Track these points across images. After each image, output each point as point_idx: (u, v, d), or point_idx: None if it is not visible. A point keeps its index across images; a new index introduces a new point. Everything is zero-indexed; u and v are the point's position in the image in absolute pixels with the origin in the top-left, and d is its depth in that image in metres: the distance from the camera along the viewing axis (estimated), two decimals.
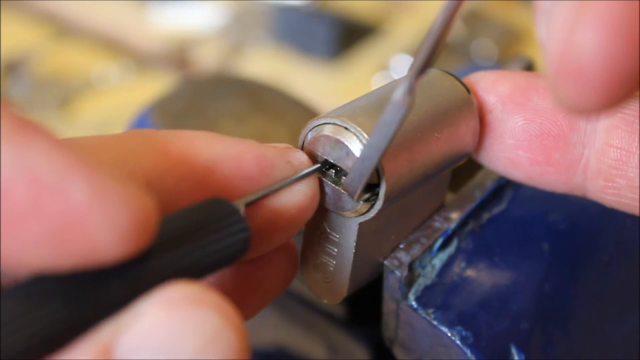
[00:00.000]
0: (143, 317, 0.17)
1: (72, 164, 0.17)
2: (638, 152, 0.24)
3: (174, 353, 0.17)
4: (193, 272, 0.19)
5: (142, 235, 0.17)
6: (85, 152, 0.18)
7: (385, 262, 0.26)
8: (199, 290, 0.18)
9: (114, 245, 0.17)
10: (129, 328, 0.17)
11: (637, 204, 0.24)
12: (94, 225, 0.17)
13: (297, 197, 0.23)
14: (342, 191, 0.24)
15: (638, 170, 0.24)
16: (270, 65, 0.84)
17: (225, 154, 0.22)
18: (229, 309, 0.18)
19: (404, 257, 0.26)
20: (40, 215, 0.16)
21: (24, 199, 0.16)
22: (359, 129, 0.23)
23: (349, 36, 0.84)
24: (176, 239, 0.19)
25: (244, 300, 0.24)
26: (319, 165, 0.24)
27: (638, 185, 0.24)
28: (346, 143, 0.23)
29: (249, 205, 0.22)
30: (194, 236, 0.19)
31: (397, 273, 0.26)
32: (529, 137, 0.25)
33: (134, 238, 0.17)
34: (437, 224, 0.27)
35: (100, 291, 0.18)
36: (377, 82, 0.80)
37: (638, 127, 0.24)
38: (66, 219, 0.16)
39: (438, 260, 0.27)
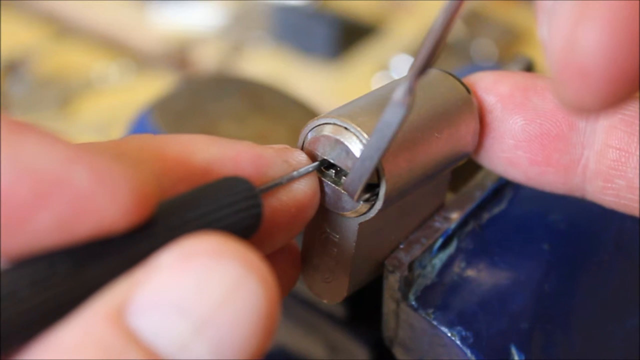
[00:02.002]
0: (157, 272, 0.16)
1: (70, 154, 0.17)
2: (637, 153, 0.24)
3: (192, 308, 0.16)
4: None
5: (143, 206, 0.18)
6: (77, 142, 0.18)
7: (385, 262, 0.26)
8: (218, 240, 0.17)
9: (120, 219, 0.17)
10: (142, 284, 0.16)
11: (636, 204, 0.24)
12: (100, 207, 0.17)
13: (298, 196, 0.23)
14: (342, 191, 0.24)
15: (637, 171, 0.24)
16: (270, 65, 0.84)
17: (222, 154, 0.22)
18: (253, 258, 0.17)
19: (404, 257, 0.26)
20: (47, 207, 0.17)
21: (30, 196, 0.16)
22: (359, 129, 0.23)
23: (349, 36, 0.84)
24: (190, 205, 0.19)
25: None
26: (318, 162, 0.24)
27: (637, 186, 0.24)
28: (346, 143, 0.23)
29: (263, 192, 0.22)
30: (207, 203, 0.20)
31: (397, 273, 0.26)
32: (528, 137, 0.25)
33: (136, 209, 0.17)
34: (437, 224, 0.27)
35: (109, 251, 0.18)
36: (377, 82, 0.80)
37: (637, 128, 0.24)
38: (73, 205, 0.17)
39: (438, 260, 0.27)
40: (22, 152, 0.17)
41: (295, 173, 0.23)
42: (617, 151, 0.24)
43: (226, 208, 0.20)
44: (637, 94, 0.19)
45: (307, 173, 0.23)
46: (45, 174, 0.17)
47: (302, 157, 0.24)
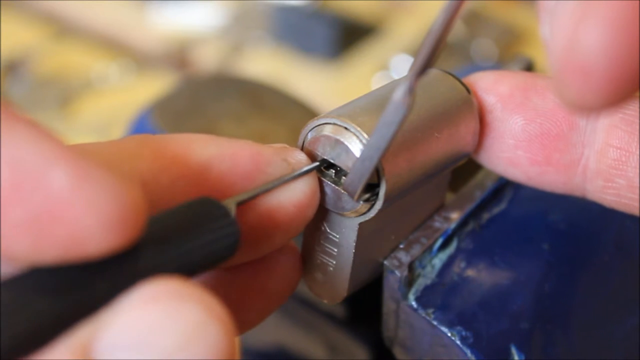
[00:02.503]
0: (122, 313, 0.17)
1: (54, 151, 0.16)
2: (637, 152, 0.24)
3: (153, 349, 0.16)
4: (179, 271, 0.19)
5: (129, 227, 0.17)
6: (66, 143, 0.17)
7: (385, 262, 0.26)
8: (181, 284, 0.17)
9: (99, 236, 0.17)
10: (107, 325, 0.17)
11: (637, 204, 0.24)
12: (76, 213, 0.16)
13: (297, 195, 0.23)
14: (342, 191, 0.24)
15: (637, 171, 0.24)
16: (270, 65, 0.84)
17: (220, 153, 0.22)
18: (213, 303, 0.17)
19: (404, 257, 0.26)
20: (21, 201, 0.16)
21: (6, 184, 0.16)
22: (359, 129, 0.23)
23: (349, 36, 0.84)
24: (162, 237, 0.19)
25: (247, 305, 0.24)
26: (318, 163, 0.24)
27: (637, 185, 0.24)
28: (346, 143, 0.23)
29: (240, 204, 0.21)
30: (180, 236, 0.19)
31: (397, 273, 0.26)
32: (528, 137, 0.25)
33: (121, 229, 0.17)
34: (437, 224, 0.27)
35: (85, 287, 0.17)
36: (377, 82, 0.80)
37: (638, 127, 0.24)
38: (47, 206, 0.16)
39: (438, 260, 0.27)
40: (8, 139, 0.16)
41: (293, 174, 0.23)
42: (618, 150, 0.24)
43: (201, 243, 0.19)
44: (638, 93, 0.19)
45: (306, 173, 0.23)
46: (25, 166, 0.16)
47: (301, 156, 0.24)
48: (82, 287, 0.17)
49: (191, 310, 0.17)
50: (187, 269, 0.19)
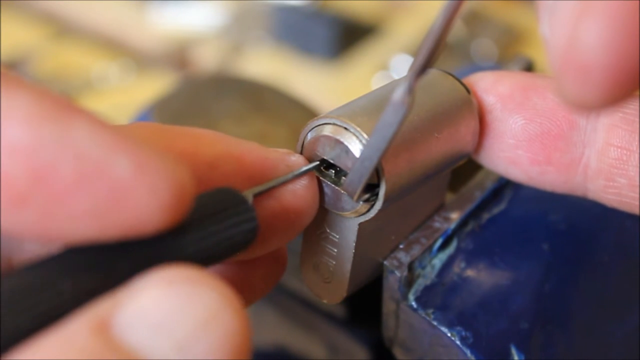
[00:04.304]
0: (142, 293, 0.17)
1: (115, 141, 0.17)
2: (638, 151, 0.24)
3: (172, 329, 0.17)
4: (197, 258, 0.19)
5: (181, 207, 0.18)
6: (125, 130, 0.18)
7: (385, 262, 0.26)
8: (198, 272, 0.17)
9: (156, 217, 0.17)
10: (128, 303, 0.17)
11: (638, 203, 0.24)
12: (138, 199, 0.17)
13: (296, 200, 0.23)
14: (342, 191, 0.24)
15: (638, 169, 0.24)
16: (270, 65, 0.84)
17: (228, 153, 0.22)
18: (229, 291, 0.17)
19: (404, 257, 0.26)
20: (86, 191, 0.17)
21: (70, 175, 0.17)
22: (358, 129, 0.23)
23: (349, 36, 0.84)
24: (185, 224, 0.19)
25: None
26: (317, 162, 0.24)
27: (638, 184, 0.24)
28: (346, 143, 0.23)
29: (257, 195, 0.22)
30: (202, 222, 0.20)
31: (397, 273, 0.26)
32: (529, 136, 0.25)
33: (174, 210, 0.18)
34: (437, 224, 0.27)
35: (111, 267, 0.18)
36: (377, 82, 0.80)
37: (638, 126, 0.24)
38: (112, 194, 0.17)
39: (438, 261, 0.27)
40: (70, 132, 0.17)
41: (296, 172, 0.23)
42: (618, 149, 0.24)
43: (221, 231, 0.20)
44: (638, 92, 0.19)
45: (304, 174, 0.23)
46: (89, 157, 0.17)
47: (304, 162, 0.24)
48: (107, 267, 0.18)
49: (208, 296, 0.17)
50: (206, 255, 0.20)
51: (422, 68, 0.20)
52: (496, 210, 0.28)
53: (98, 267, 0.18)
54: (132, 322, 0.17)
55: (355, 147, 0.23)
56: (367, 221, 0.24)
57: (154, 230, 0.18)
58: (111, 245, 0.18)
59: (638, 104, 0.24)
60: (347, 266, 0.25)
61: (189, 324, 0.17)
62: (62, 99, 0.17)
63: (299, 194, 0.23)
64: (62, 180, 0.17)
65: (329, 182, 0.24)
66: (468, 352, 0.25)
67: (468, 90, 0.26)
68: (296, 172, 0.23)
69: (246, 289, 0.25)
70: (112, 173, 0.17)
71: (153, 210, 0.17)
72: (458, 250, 0.27)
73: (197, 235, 0.19)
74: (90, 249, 0.18)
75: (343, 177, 0.24)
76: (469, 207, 0.28)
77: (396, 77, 0.77)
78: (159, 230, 0.18)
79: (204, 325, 0.17)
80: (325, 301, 0.27)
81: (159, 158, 0.18)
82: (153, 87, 0.78)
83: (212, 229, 0.20)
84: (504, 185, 0.29)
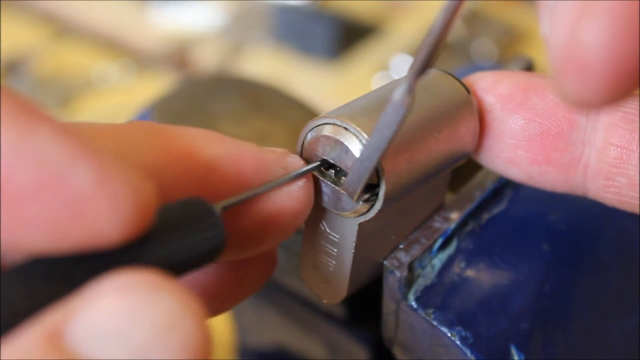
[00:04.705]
0: (96, 299, 0.16)
1: (77, 150, 0.17)
2: (638, 150, 0.24)
3: (127, 337, 0.16)
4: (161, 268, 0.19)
5: (143, 219, 0.17)
6: (88, 139, 0.17)
7: (385, 262, 0.26)
8: (156, 276, 0.17)
9: (117, 229, 0.17)
10: (79, 312, 0.16)
11: (638, 202, 0.24)
12: (99, 210, 0.17)
13: (292, 202, 0.23)
14: (342, 191, 0.24)
15: (638, 169, 0.24)
16: (270, 65, 0.84)
17: (226, 154, 0.22)
18: (190, 298, 0.17)
19: (404, 257, 0.26)
20: (43, 200, 0.16)
21: (28, 183, 0.16)
22: (358, 129, 0.23)
23: (349, 36, 0.84)
24: (145, 236, 0.19)
25: (222, 295, 0.24)
26: (318, 163, 0.24)
27: (638, 183, 0.24)
28: (346, 143, 0.23)
29: (227, 209, 0.21)
30: (166, 233, 0.19)
31: (397, 273, 0.26)
32: (528, 136, 0.25)
33: (136, 222, 0.17)
34: (437, 224, 0.27)
35: (69, 277, 0.17)
36: (377, 82, 0.80)
37: (638, 125, 0.24)
38: (70, 204, 0.16)
39: (438, 261, 0.27)
40: (31, 138, 0.16)
41: (287, 177, 0.23)
42: (618, 149, 0.24)
43: (190, 237, 0.19)
44: (638, 91, 0.19)
45: (301, 175, 0.23)
46: (49, 165, 0.16)
47: (300, 164, 0.24)
48: (64, 278, 0.17)
49: (166, 302, 0.16)
50: (169, 266, 0.19)
51: (422, 68, 0.20)
52: (496, 210, 0.28)
53: (54, 278, 0.17)
54: (84, 330, 0.16)
55: (355, 147, 0.23)
56: (367, 221, 0.24)
57: (115, 242, 0.17)
58: (72, 257, 0.17)
59: (638, 102, 0.24)
60: (347, 266, 0.25)
61: (144, 331, 0.16)
62: (25, 103, 0.17)
63: (294, 195, 0.23)
64: (20, 186, 0.16)
65: (328, 182, 0.24)
66: (468, 352, 0.25)
67: (468, 90, 0.26)
68: (293, 175, 0.23)
69: (237, 288, 0.25)
70: (72, 182, 0.16)
71: (114, 221, 0.17)
72: (458, 250, 0.27)
73: (160, 247, 0.19)
74: (50, 260, 0.17)
75: (343, 177, 0.24)
76: (469, 207, 0.28)
77: (396, 77, 0.77)
78: (121, 242, 0.17)
79: (161, 332, 0.16)
80: (325, 301, 0.27)
81: (121, 169, 0.17)
82: (153, 87, 0.78)
83: (177, 241, 0.19)
84: (504, 185, 0.29)
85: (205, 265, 0.21)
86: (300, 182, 0.23)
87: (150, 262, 0.18)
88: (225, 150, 0.22)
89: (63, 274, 0.17)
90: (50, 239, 0.17)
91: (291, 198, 0.23)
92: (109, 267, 0.18)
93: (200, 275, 0.24)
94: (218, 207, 0.21)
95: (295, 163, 0.24)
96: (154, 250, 0.19)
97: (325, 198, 0.24)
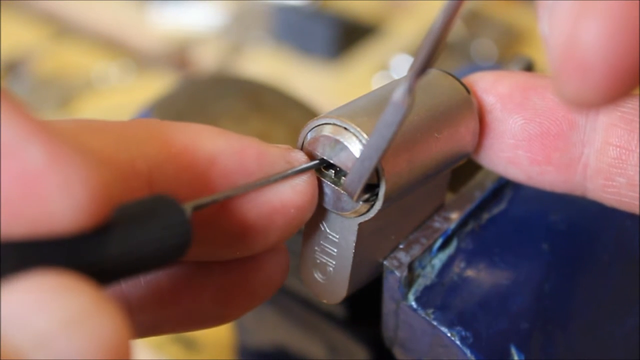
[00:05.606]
0: (9, 291, 0.16)
1: (32, 129, 0.16)
2: (637, 150, 0.24)
3: (26, 328, 0.16)
4: (115, 263, 0.19)
5: (98, 209, 0.17)
6: (48, 124, 0.17)
7: (385, 262, 0.26)
8: (73, 280, 0.17)
9: (69, 216, 0.17)
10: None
11: (637, 202, 0.24)
12: (49, 191, 0.16)
13: (296, 196, 0.23)
14: (342, 191, 0.24)
15: (638, 169, 0.24)
16: (270, 65, 0.84)
17: (228, 148, 0.22)
18: (103, 299, 0.17)
19: (404, 257, 0.26)
20: None
21: None
22: (358, 129, 0.23)
23: (349, 36, 0.84)
24: (103, 228, 0.18)
25: (231, 300, 0.24)
26: (318, 161, 0.24)
27: (638, 183, 0.24)
28: (346, 143, 0.23)
29: (197, 209, 0.21)
30: (125, 229, 0.19)
31: (397, 273, 0.26)
32: (528, 136, 0.25)
33: (90, 210, 0.17)
34: (437, 224, 0.27)
35: (12, 262, 0.17)
36: (377, 82, 0.80)
37: (637, 125, 0.24)
38: (20, 182, 0.16)
39: (438, 261, 0.27)
40: None
41: (288, 171, 0.23)
42: (618, 149, 0.24)
43: (153, 232, 0.19)
44: (637, 91, 0.19)
45: (301, 171, 0.23)
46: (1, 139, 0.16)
47: (304, 159, 0.24)
48: (8, 264, 0.17)
49: (74, 299, 0.16)
50: (127, 260, 0.19)
51: (422, 68, 0.20)
52: (496, 210, 0.28)
53: (4, 261, 0.17)
54: None
55: (355, 147, 0.23)
56: (367, 221, 0.24)
57: (69, 230, 0.17)
58: (26, 242, 0.17)
59: (637, 102, 0.24)
60: (347, 266, 0.25)
61: (48, 320, 0.16)
62: None
63: (298, 189, 0.23)
64: None
65: (328, 182, 0.24)
66: (468, 352, 0.25)
67: (468, 90, 0.26)
68: (295, 169, 0.23)
69: (248, 293, 0.24)
70: (22, 160, 0.16)
71: (66, 206, 0.17)
72: (458, 250, 0.27)
73: (119, 240, 0.18)
74: (6, 245, 0.17)
75: (343, 177, 0.24)
76: (469, 207, 0.28)
77: (396, 77, 0.77)
78: (76, 231, 0.17)
79: (66, 323, 0.16)
80: (325, 301, 0.27)
81: (78, 154, 0.17)
82: (153, 87, 0.78)
83: (137, 236, 0.19)
84: (504, 185, 0.29)
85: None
86: (305, 177, 0.23)
87: (106, 254, 0.18)
88: (227, 144, 0.22)
89: (14, 258, 0.17)
90: (4, 218, 0.16)
91: (295, 192, 0.23)
92: (63, 256, 0.17)
93: (209, 278, 0.24)
94: (189, 205, 0.20)
95: (299, 158, 0.24)
96: (112, 243, 0.18)
97: (325, 198, 0.24)
